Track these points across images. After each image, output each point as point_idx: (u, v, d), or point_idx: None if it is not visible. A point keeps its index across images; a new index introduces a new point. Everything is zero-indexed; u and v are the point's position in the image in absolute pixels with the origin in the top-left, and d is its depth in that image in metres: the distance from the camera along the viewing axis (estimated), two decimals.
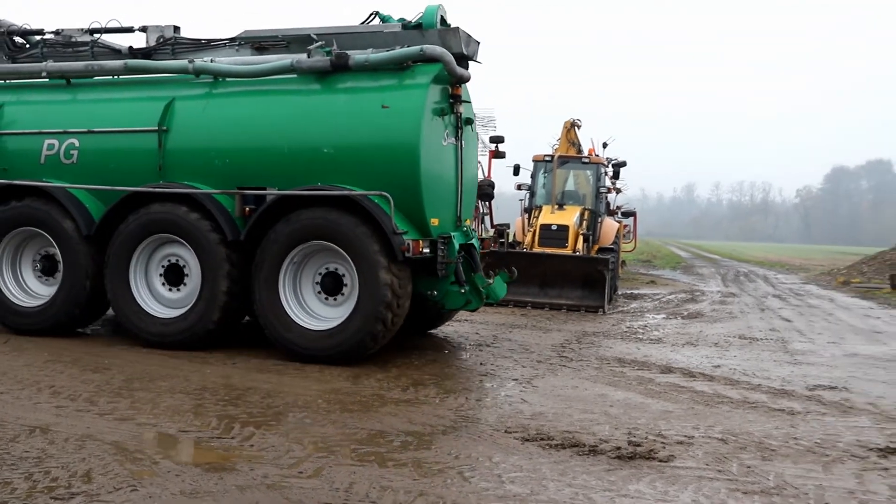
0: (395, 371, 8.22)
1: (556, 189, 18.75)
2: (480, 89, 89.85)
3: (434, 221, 8.66)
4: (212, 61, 9.10)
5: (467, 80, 8.99)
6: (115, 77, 9.80)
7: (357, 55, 8.49)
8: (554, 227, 17.00)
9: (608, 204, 20.67)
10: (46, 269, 9.59)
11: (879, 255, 28.82)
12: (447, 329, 11.57)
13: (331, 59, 8.50)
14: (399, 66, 8.52)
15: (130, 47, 9.74)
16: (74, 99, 9.83)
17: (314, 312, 8.56)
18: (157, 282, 9.08)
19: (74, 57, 9.85)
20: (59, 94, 9.91)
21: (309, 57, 8.62)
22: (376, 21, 9.14)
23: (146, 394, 6.86)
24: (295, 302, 8.51)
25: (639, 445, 5.66)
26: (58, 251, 9.33)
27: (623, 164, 20.81)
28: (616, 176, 20.67)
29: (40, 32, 10.19)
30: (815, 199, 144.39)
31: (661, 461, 5.35)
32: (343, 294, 8.47)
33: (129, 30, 9.89)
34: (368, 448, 5.52)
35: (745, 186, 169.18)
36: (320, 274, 8.53)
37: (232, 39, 9.33)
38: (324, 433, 5.86)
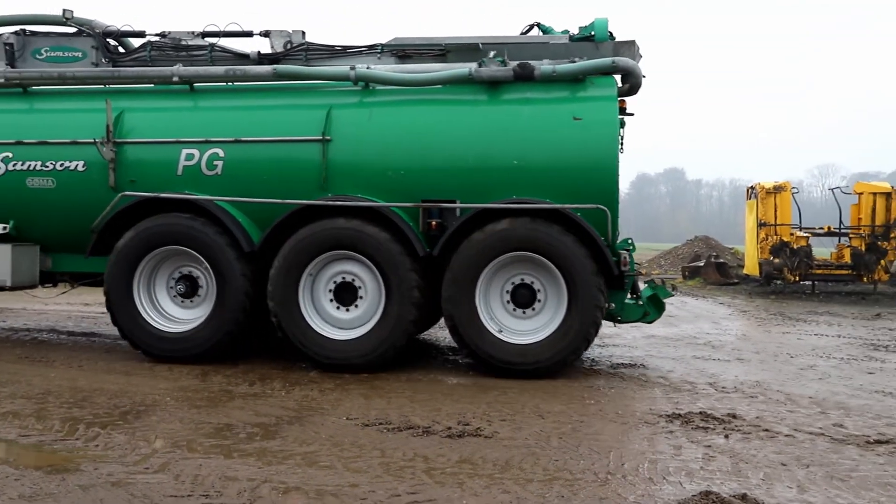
0: (242, 367, 7.95)
1: None
2: None
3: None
4: (367, 68, 8.03)
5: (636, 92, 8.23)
6: (228, 84, 8.54)
7: (543, 66, 7.73)
8: None
9: None
10: (187, 290, 8.11)
11: (674, 250, 30.90)
12: None
13: (514, 70, 7.70)
14: (575, 78, 7.78)
15: (259, 52, 8.51)
16: (211, 106, 8.45)
17: (503, 324, 7.62)
18: (326, 301, 7.81)
19: (188, 61, 8.49)
20: (189, 101, 8.48)
21: (481, 66, 7.78)
22: (534, 32, 8.46)
23: None
24: (486, 314, 7.55)
25: (467, 425, 5.75)
26: (208, 270, 7.90)
27: None
28: None
29: (141, 35, 8.80)
30: (624, 203, 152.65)
31: (486, 437, 5.46)
32: (534, 308, 7.59)
33: (249, 34, 8.62)
34: (215, 441, 5.30)
35: None
36: (513, 283, 7.60)
37: (371, 46, 8.35)
38: (171, 429, 5.58)
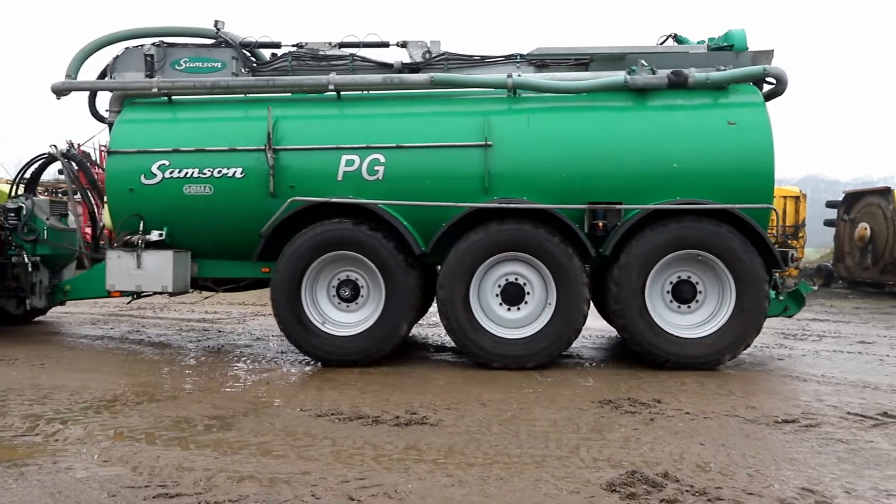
0: (201, 363, 7.80)
1: None
2: None
3: None
4: (518, 76, 7.78)
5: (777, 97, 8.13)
6: (364, 92, 8.23)
7: (697, 73, 7.61)
8: None
9: None
10: (350, 295, 7.77)
11: None
12: (252, 322, 11.18)
13: (668, 77, 7.57)
14: (718, 86, 7.67)
15: (402, 62, 8.19)
16: (367, 113, 8.09)
17: (666, 319, 7.51)
18: (493, 301, 7.58)
19: (328, 70, 8.12)
20: (341, 109, 8.14)
21: (630, 74, 7.64)
22: (670, 42, 8.35)
23: None
24: (653, 310, 7.43)
25: (414, 414, 5.74)
26: (375, 274, 7.58)
27: None
28: None
29: (277, 45, 8.41)
30: None
31: (432, 425, 5.45)
32: (697, 301, 7.53)
33: (385, 44, 8.29)
34: (173, 433, 5.18)
35: None
36: (671, 283, 7.54)
37: (508, 56, 8.13)
38: (130, 423, 5.43)
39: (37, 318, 10.65)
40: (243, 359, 8.18)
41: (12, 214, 8.96)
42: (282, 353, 8.58)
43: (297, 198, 7.62)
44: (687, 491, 4.10)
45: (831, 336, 10.47)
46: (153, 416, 5.65)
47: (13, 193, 9.37)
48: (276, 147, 7.76)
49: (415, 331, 10.48)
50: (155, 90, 8.17)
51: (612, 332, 10.72)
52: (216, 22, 8.35)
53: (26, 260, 8.85)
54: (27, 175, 9.97)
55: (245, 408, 5.93)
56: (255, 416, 5.67)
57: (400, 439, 5.07)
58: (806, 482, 4.25)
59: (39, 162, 9.77)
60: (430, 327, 10.88)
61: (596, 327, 10.89)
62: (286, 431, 5.24)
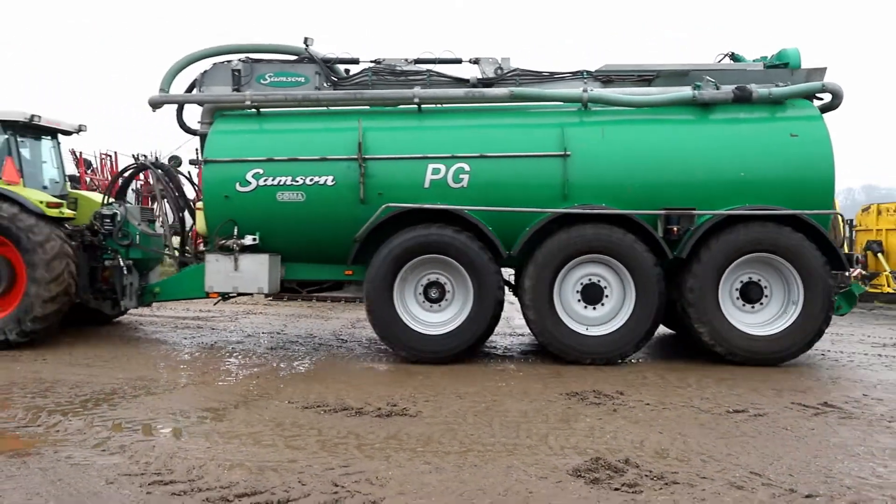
0: (195, 358, 7.77)
1: None
2: None
3: None
4: (591, 91, 7.86)
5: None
6: (439, 105, 8.23)
7: (760, 89, 7.71)
8: None
9: None
10: (437, 296, 7.71)
11: None
12: (244, 320, 11.14)
13: (734, 92, 7.68)
14: (775, 101, 7.75)
15: (478, 78, 8.16)
16: (449, 125, 8.08)
17: (735, 317, 7.53)
18: (574, 301, 7.61)
19: (405, 84, 8.14)
20: (422, 120, 8.13)
21: (695, 90, 7.75)
22: (726, 60, 8.47)
23: None
24: (725, 309, 7.48)
25: (395, 406, 5.76)
26: (465, 277, 7.54)
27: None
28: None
29: (355, 62, 8.38)
30: None
31: (411, 416, 5.48)
32: (762, 302, 7.58)
33: (458, 61, 8.30)
34: (169, 424, 5.18)
35: None
36: (741, 282, 7.57)
37: (575, 72, 8.20)
38: (127, 415, 5.41)
39: (116, 319, 10.55)
40: (235, 354, 8.15)
41: (108, 220, 8.83)
42: (271, 349, 8.57)
43: (391, 204, 7.62)
44: (646, 476, 4.17)
45: None
46: (149, 408, 5.63)
47: (106, 200, 9.26)
48: (366, 157, 7.77)
49: None
50: (248, 103, 8.18)
51: None
52: (305, 39, 8.36)
53: (122, 263, 8.72)
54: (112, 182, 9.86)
55: (236, 400, 5.92)
56: (245, 408, 5.66)
57: (381, 429, 5.09)
58: (755, 466, 4.33)
59: (131, 170, 9.73)
60: None
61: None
62: (275, 422, 5.25)
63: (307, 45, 8.35)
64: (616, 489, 3.97)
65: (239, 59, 8.37)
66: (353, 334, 9.86)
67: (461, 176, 7.69)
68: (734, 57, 8.58)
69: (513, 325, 11.02)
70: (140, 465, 4.26)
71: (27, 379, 6.63)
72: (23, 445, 4.65)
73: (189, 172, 9.58)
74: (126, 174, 9.80)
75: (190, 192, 9.68)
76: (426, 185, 7.70)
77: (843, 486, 4.05)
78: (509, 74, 8.22)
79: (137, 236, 8.92)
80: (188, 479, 4.04)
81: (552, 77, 8.26)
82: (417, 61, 8.32)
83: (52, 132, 9.60)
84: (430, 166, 7.72)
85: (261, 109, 8.36)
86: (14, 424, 5.13)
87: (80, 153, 17.81)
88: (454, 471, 4.25)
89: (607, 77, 8.23)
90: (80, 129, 9.84)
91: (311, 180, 7.83)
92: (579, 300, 7.65)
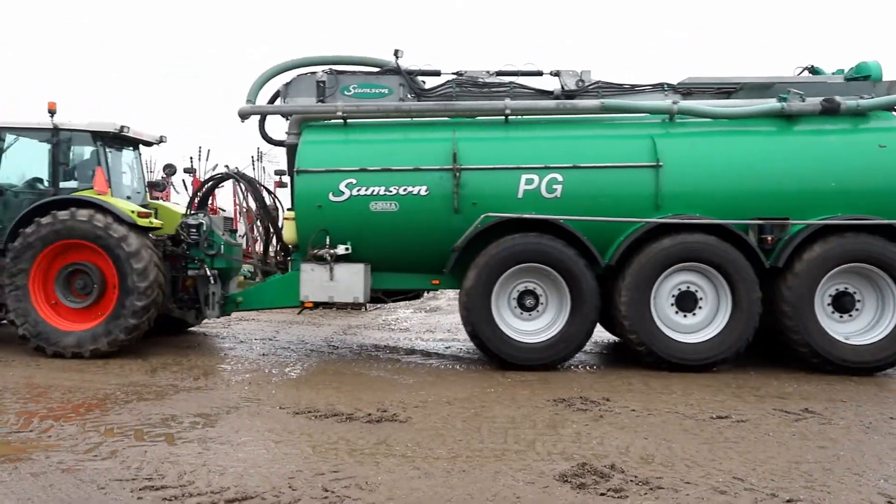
0: (187, 364, 7.74)
1: None
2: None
3: None
4: (680, 103, 7.87)
5: None
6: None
7: (847, 101, 7.73)
8: None
9: None
10: (531, 304, 7.66)
11: None
12: (236, 327, 11.10)
13: (822, 104, 7.69)
14: (861, 113, 7.76)
15: (562, 89, 8.19)
16: (541, 136, 8.01)
17: (829, 327, 7.44)
18: (668, 308, 7.57)
19: (488, 96, 8.16)
20: (511, 131, 8.09)
21: (781, 102, 7.77)
22: (805, 73, 8.52)
23: None
24: (820, 318, 7.41)
25: (385, 411, 5.75)
26: (562, 285, 7.51)
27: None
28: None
29: (437, 73, 8.39)
30: None
31: (401, 422, 5.48)
32: (857, 310, 7.54)
33: (539, 73, 8.32)
34: (160, 430, 5.14)
35: None
36: (836, 289, 7.52)
37: (655, 85, 8.23)
38: (119, 420, 5.38)
39: (189, 329, 10.40)
40: (227, 360, 8.12)
41: (194, 230, 8.68)
42: (263, 355, 8.54)
43: (490, 213, 7.57)
44: (631, 481, 4.18)
45: None
46: (141, 413, 5.60)
47: (190, 211, 9.18)
48: (461, 167, 7.72)
49: (386, 335, 10.51)
50: (340, 113, 8.12)
51: None
52: (396, 51, 8.32)
53: (208, 273, 8.56)
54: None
55: (228, 406, 5.89)
56: (237, 414, 5.64)
57: (371, 435, 5.09)
58: (738, 471, 4.36)
59: (215, 181, 9.68)
60: (400, 332, 10.91)
61: None
62: (266, 428, 5.23)
63: (397, 57, 8.34)
64: (602, 494, 3.99)
65: (323, 71, 8.35)
66: (344, 341, 9.84)
67: (554, 186, 7.66)
68: (813, 70, 8.62)
69: None
70: (131, 471, 4.23)
71: (20, 384, 6.57)
72: (15, 451, 4.61)
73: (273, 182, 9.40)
74: (209, 184, 9.71)
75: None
76: (519, 195, 7.67)
77: (825, 490, 4.08)
78: (591, 87, 8.27)
79: (222, 246, 8.77)
80: (179, 485, 4.02)
81: (633, 89, 8.30)
82: (499, 73, 8.39)
83: (135, 143, 9.43)
84: (524, 176, 7.69)
85: (347, 120, 8.28)
86: (6, 430, 5.08)
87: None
88: (443, 476, 4.25)
89: (688, 89, 8.28)
90: (161, 140, 9.66)
91: (404, 190, 7.78)
92: (674, 308, 7.60)
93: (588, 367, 7.90)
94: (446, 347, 9.40)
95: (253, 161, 21.58)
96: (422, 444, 4.89)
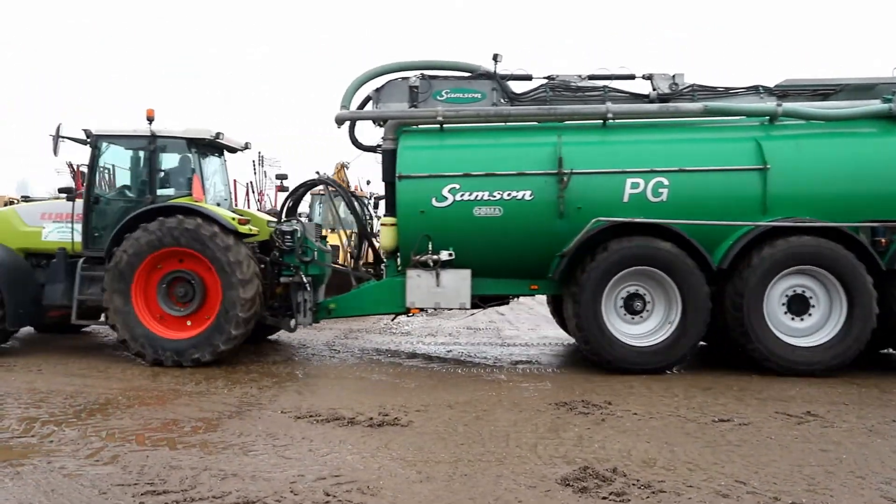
0: (189, 368, 7.70)
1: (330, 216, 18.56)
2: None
3: None
4: (783, 105, 7.76)
5: None
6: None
7: None
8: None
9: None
10: (639, 308, 7.62)
11: None
12: None
13: None
14: None
15: (658, 93, 8.11)
16: (643, 139, 7.93)
17: None
18: (779, 311, 7.48)
19: (582, 100, 8.11)
20: (608, 135, 8.01)
21: (887, 102, 7.66)
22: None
23: None
24: None
25: (387, 415, 5.72)
26: (673, 289, 7.44)
27: (382, 197, 21.05)
28: (376, 206, 20.93)
29: (529, 78, 8.32)
30: None
31: (402, 426, 5.45)
32: None
33: (632, 77, 8.26)
34: (162, 434, 5.11)
35: None
36: None
37: (749, 87, 8.13)
38: (121, 425, 5.35)
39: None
40: (228, 365, 8.08)
41: (288, 237, 8.51)
42: (264, 359, 8.50)
43: (601, 218, 7.48)
44: (633, 484, 4.15)
45: None
46: (143, 418, 5.57)
47: (283, 217, 9.10)
48: (569, 171, 7.65)
49: (387, 338, 10.48)
50: (440, 118, 8.02)
51: (572, 340, 10.75)
52: (495, 55, 8.27)
53: (304, 280, 8.40)
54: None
55: (230, 410, 5.87)
56: (238, 418, 5.61)
57: (373, 439, 5.06)
58: (740, 475, 4.32)
59: (306, 187, 9.58)
60: (402, 336, 10.88)
61: (553, 336, 10.97)
62: (267, 432, 5.20)
63: (497, 62, 8.28)
64: (604, 498, 3.95)
65: (416, 76, 8.30)
66: (345, 345, 9.81)
67: (660, 190, 7.60)
68: None
69: (502, 336, 11.02)
70: (133, 476, 4.20)
71: (21, 389, 6.54)
72: (16, 456, 4.58)
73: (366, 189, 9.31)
74: (300, 190, 9.60)
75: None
76: (625, 199, 7.60)
77: (827, 494, 4.04)
78: (685, 90, 8.17)
79: (315, 252, 8.68)
80: (181, 489, 3.99)
81: (728, 92, 8.19)
82: (591, 77, 8.31)
83: (221, 149, 9.34)
84: (629, 181, 7.62)
85: (444, 125, 8.18)
86: (8, 435, 5.05)
87: (78, 166, 17.71)
88: (445, 480, 4.22)
89: (784, 91, 8.16)
90: (246, 147, 9.59)
91: (508, 195, 7.71)
92: (785, 311, 7.51)
93: (589, 371, 7.86)
94: (448, 351, 9.37)
95: (254, 165, 21.51)
96: (423, 448, 4.86)
